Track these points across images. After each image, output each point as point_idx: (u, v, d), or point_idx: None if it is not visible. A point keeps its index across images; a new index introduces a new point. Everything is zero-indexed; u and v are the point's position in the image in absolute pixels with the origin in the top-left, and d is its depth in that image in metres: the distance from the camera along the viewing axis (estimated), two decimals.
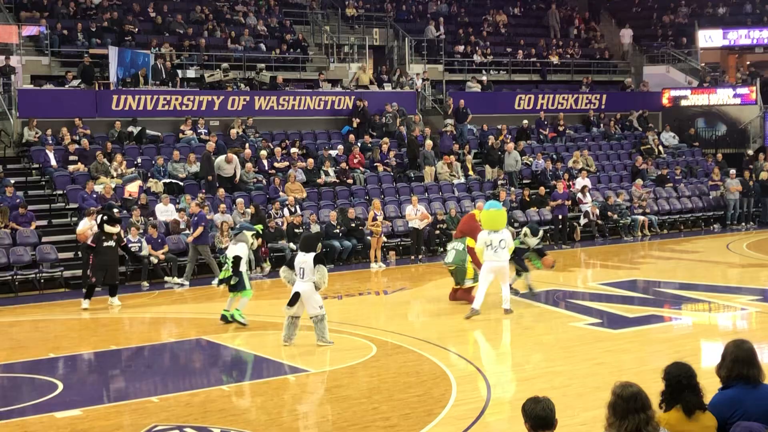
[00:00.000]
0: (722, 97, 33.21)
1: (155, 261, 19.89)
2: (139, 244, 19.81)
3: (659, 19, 38.30)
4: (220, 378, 12.14)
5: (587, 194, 26.37)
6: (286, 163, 24.66)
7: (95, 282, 16.92)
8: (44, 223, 20.90)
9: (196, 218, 20.07)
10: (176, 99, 25.45)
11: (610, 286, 18.19)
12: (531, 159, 28.34)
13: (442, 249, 23.45)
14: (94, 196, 21.03)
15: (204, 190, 22.63)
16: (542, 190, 26.23)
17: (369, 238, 22.30)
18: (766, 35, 35.23)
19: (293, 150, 25.12)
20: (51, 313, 16.83)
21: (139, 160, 23.55)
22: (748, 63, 36.90)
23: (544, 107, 31.50)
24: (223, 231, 20.39)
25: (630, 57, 36.55)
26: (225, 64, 27.16)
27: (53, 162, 22.48)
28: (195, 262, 19.94)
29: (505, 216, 15.87)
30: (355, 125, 27.03)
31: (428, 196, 25.35)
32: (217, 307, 15.57)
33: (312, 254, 12.85)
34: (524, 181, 27.52)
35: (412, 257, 22.85)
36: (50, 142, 22.90)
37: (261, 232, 15.51)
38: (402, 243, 23.52)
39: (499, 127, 29.24)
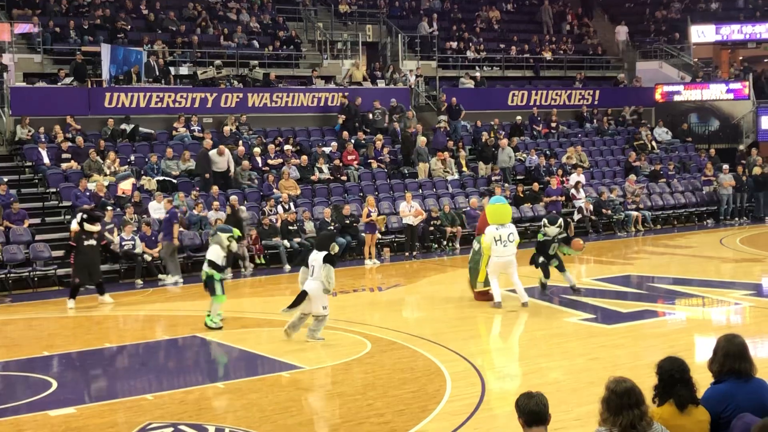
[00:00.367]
0: (715, 92, 33.26)
1: (149, 258, 19.86)
2: (133, 242, 19.79)
3: (652, 14, 38.35)
4: (214, 375, 12.14)
5: (581, 190, 26.40)
6: (280, 160, 24.64)
7: (79, 282, 16.82)
8: (37, 221, 20.85)
9: (168, 216, 19.80)
10: (169, 96, 25.40)
11: (603, 281, 18.22)
12: (524, 155, 28.35)
13: (436, 245, 23.52)
14: (87, 194, 20.99)
15: (198, 188, 22.59)
16: (536, 186, 26.26)
17: (363, 234, 22.29)
18: (758, 30, 35.27)
19: (287, 147, 25.10)
20: (45, 311, 16.80)
21: (132, 158, 23.52)
22: (740, 58, 36.95)
23: (538, 103, 31.52)
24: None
25: (623, 53, 36.57)
26: (218, 61, 27.12)
27: (46, 160, 22.43)
28: (176, 258, 19.81)
29: (511, 210, 16.04)
30: (340, 121, 27.00)
31: (422, 193, 25.36)
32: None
33: (323, 253, 12.90)
34: (518, 177, 27.54)
35: (407, 254, 22.86)
36: (43, 140, 22.85)
37: (239, 235, 14.86)
38: (396, 239, 23.52)
39: (492, 122, 29.23)
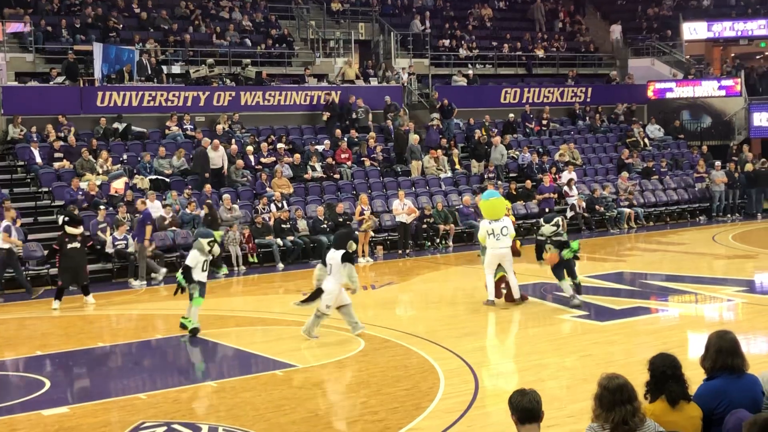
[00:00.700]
0: (707, 89, 33.31)
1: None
2: (126, 241, 19.75)
3: (644, 11, 38.36)
4: (207, 374, 12.13)
5: (573, 187, 26.43)
6: (273, 159, 24.62)
7: (63, 285, 16.70)
8: (30, 220, 20.80)
9: (142, 217, 19.50)
10: (162, 95, 25.38)
11: (596, 278, 18.23)
12: (517, 153, 28.37)
13: (429, 243, 23.53)
14: (80, 193, 20.96)
15: (190, 186, 22.57)
16: (528, 183, 26.28)
17: (357, 233, 22.27)
18: (750, 27, 35.34)
19: (279, 145, 25.08)
20: (38, 310, 16.76)
21: (125, 157, 23.48)
22: (732, 55, 37.04)
23: (530, 101, 31.55)
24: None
25: (617, 51, 36.61)
26: (210, 60, 27.09)
27: (38, 159, 22.38)
28: (146, 260, 19.55)
29: (503, 203, 15.92)
30: (325, 118, 26.99)
31: (415, 191, 25.37)
32: (204, 304, 15.50)
33: (341, 252, 12.89)
34: (510, 175, 27.56)
35: (400, 251, 22.86)
36: (35, 139, 22.80)
37: (219, 239, 14.44)
38: (389, 237, 23.52)
39: (484, 119, 29.21)
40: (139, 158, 23.32)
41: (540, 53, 34.36)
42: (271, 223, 21.96)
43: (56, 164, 22.35)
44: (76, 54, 25.13)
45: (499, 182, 26.14)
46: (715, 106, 33.14)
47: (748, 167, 29.07)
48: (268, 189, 23.31)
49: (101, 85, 24.69)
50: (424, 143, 27.08)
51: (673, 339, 12.72)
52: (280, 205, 22.63)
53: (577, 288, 15.38)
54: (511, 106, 30.95)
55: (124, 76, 25.12)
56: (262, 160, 24.55)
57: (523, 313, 15.10)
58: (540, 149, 28.92)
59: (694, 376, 5.85)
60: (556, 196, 26.08)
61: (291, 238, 21.78)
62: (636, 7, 38.73)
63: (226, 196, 22.17)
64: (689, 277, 18.11)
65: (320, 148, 25.80)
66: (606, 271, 19.27)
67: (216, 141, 23.30)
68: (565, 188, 26.40)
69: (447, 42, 32.92)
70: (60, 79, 24.58)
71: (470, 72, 31.46)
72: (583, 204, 26.18)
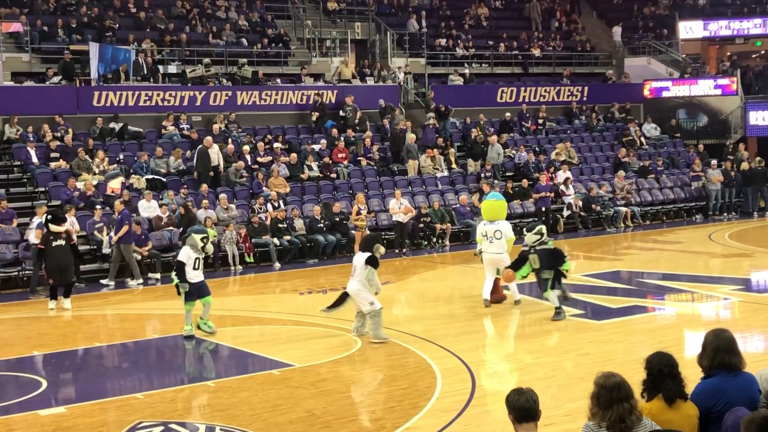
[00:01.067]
0: (703, 88, 33.36)
1: (138, 257, 19.81)
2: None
3: (640, 10, 38.42)
4: (204, 374, 12.13)
5: (570, 186, 26.45)
6: (269, 158, 24.61)
7: (54, 283, 16.54)
8: (26, 220, 20.75)
9: (120, 217, 19.28)
10: (158, 95, 25.36)
11: (593, 277, 18.26)
12: (514, 152, 28.38)
13: (425, 242, 23.54)
14: (76, 192, 20.94)
15: (186, 186, 22.55)
16: (525, 182, 26.29)
17: (353, 232, 22.29)
18: (746, 26, 35.39)
19: (276, 145, 25.07)
20: (34, 310, 16.74)
21: (122, 157, 23.46)
22: (728, 54, 37.08)
23: (527, 100, 31.58)
24: (206, 227, 20.34)
25: (614, 51, 36.62)
26: (207, 60, 27.07)
27: (35, 159, 22.36)
28: (119, 263, 19.37)
29: (503, 207, 15.74)
30: (314, 118, 26.96)
31: (412, 190, 25.36)
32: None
33: (367, 254, 12.88)
34: (507, 174, 27.56)
35: (397, 251, 22.85)
36: (31, 139, 22.78)
37: (213, 236, 14.04)
38: (386, 237, 23.49)
39: (478, 118, 29.19)
40: (135, 158, 23.29)
41: (536, 52, 34.38)
42: (268, 222, 21.95)
43: (53, 164, 22.33)
44: (72, 54, 25.12)
45: (496, 181, 26.13)
46: (712, 105, 33.18)
47: (744, 166, 29.09)
48: (264, 188, 23.30)
49: (97, 84, 24.67)
50: (420, 142, 27.09)
51: (670, 338, 12.73)
52: (276, 204, 22.63)
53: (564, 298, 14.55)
54: (507, 105, 30.96)
55: (121, 76, 25.10)
56: (259, 159, 24.54)
57: (520, 312, 15.10)
58: (536, 148, 28.94)
59: (691, 375, 5.86)
60: (552, 195, 26.10)
61: (288, 237, 21.77)
62: (632, 6, 38.78)
63: (222, 195, 22.17)
64: (686, 276, 18.14)
65: (317, 147, 25.79)
66: (602, 270, 19.28)
67: (209, 138, 23.31)
68: (562, 187, 26.42)
69: (443, 41, 32.93)
70: (56, 79, 24.55)
71: (467, 71, 31.47)
72: (580, 203, 26.19)
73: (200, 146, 23.09)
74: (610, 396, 5.27)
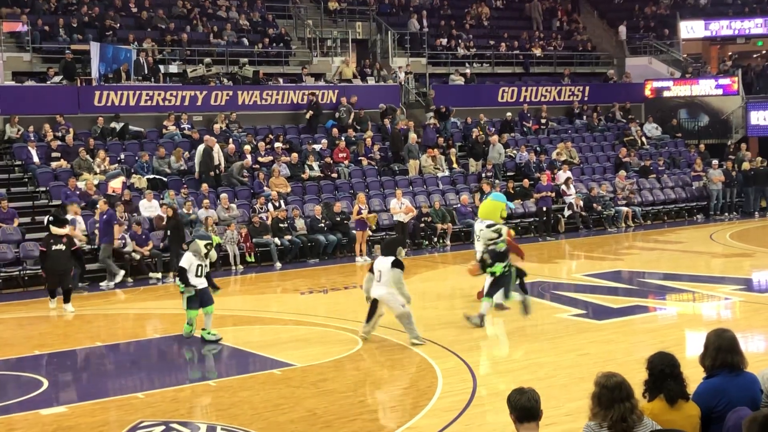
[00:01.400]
0: (704, 88, 33.35)
1: (138, 257, 19.82)
2: (124, 241, 19.73)
3: (641, 10, 38.41)
4: (205, 373, 12.13)
5: (571, 186, 26.44)
6: (270, 158, 24.61)
7: (51, 286, 16.45)
8: (27, 220, 20.78)
9: (105, 217, 19.13)
10: (159, 94, 25.36)
11: (594, 277, 18.26)
12: (515, 151, 28.37)
13: (426, 242, 23.53)
14: (77, 192, 20.94)
15: (186, 185, 22.55)
16: (526, 182, 26.28)
17: (354, 231, 22.28)
18: (747, 26, 35.38)
19: (277, 144, 25.07)
20: (35, 310, 16.74)
21: (122, 156, 23.46)
22: (729, 53, 37.07)
23: (528, 99, 31.57)
24: (207, 226, 20.38)
25: (618, 50, 36.62)
26: (208, 59, 27.07)
27: (35, 159, 22.36)
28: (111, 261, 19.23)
29: (496, 207, 15.45)
30: (308, 116, 26.92)
31: (413, 190, 25.36)
32: None
33: (391, 258, 12.69)
34: (508, 174, 27.55)
35: None
36: (32, 138, 22.78)
37: (217, 242, 13.68)
38: (387, 236, 23.48)
39: (479, 118, 29.18)
40: (136, 158, 23.29)
41: (537, 52, 34.37)
42: (269, 222, 21.95)
43: (53, 164, 22.34)
44: (73, 53, 25.12)
45: (497, 181, 26.15)
46: (713, 104, 33.17)
47: (746, 166, 29.08)
48: (265, 188, 23.30)
49: (98, 84, 24.67)
50: (421, 142, 27.08)
51: (671, 337, 12.73)
52: (277, 204, 22.63)
53: (525, 308, 14.15)
54: (508, 105, 30.95)
55: (122, 76, 25.10)
56: (260, 159, 24.53)
57: (520, 312, 15.07)
58: (537, 148, 28.93)
59: (693, 375, 5.85)
60: (553, 195, 26.09)
61: (288, 237, 21.77)
62: (633, 5, 38.77)
63: (223, 195, 22.17)
64: (687, 276, 18.13)
65: (318, 147, 25.78)
66: (603, 270, 19.28)
67: (207, 137, 23.33)
68: (563, 187, 26.40)
69: (444, 41, 32.92)
70: (57, 79, 24.55)
71: (467, 71, 31.46)
72: (581, 203, 26.18)
73: (204, 145, 23.06)
74: (611, 396, 5.27)
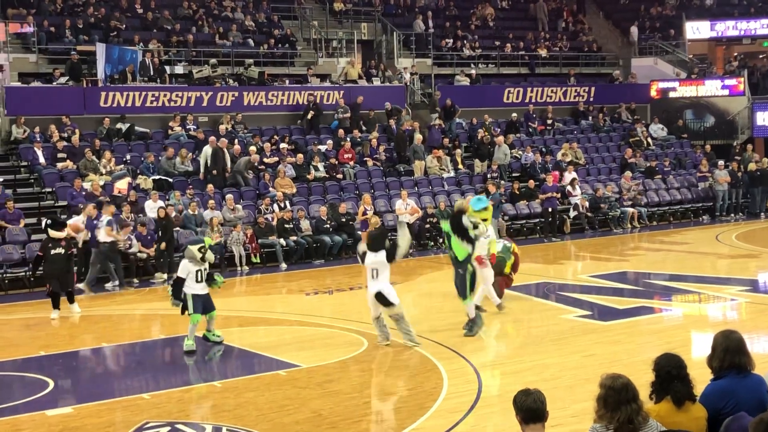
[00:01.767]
0: (710, 88, 33.30)
1: (143, 257, 19.84)
2: (130, 242, 19.75)
3: (647, 11, 38.37)
4: (211, 374, 12.13)
5: (576, 187, 26.42)
6: (276, 159, 24.62)
7: (53, 290, 15.92)
8: (33, 220, 20.80)
9: (95, 222, 19.00)
10: (165, 95, 25.40)
11: (600, 278, 18.23)
12: (520, 152, 28.36)
13: (432, 243, 23.51)
14: (83, 193, 20.98)
15: (191, 186, 22.57)
16: (531, 183, 26.26)
17: (359, 232, 22.27)
18: (753, 26, 35.32)
19: (282, 145, 25.09)
20: (41, 310, 16.75)
21: (128, 157, 23.49)
22: (735, 54, 37.00)
23: (533, 100, 31.54)
24: (213, 226, 20.40)
25: (628, 50, 36.58)
26: (213, 60, 27.10)
27: (42, 159, 22.41)
28: (112, 264, 19.11)
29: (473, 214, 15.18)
30: (309, 117, 26.90)
31: (418, 190, 25.35)
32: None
33: (382, 252, 12.65)
34: (514, 175, 27.53)
35: None
36: (38, 139, 22.84)
37: (210, 245, 13.22)
38: (392, 237, 23.42)
39: (483, 118, 29.15)
40: (142, 158, 23.33)
41: (543, 53, 34.35)
42: (274, 223, 21.97)
43: (59, 164, 22.38)
44: (79, 54, 25.16)
45: (502, 182, 26.14)
46: (719, 105, 33.12)
47: (752, 166, 29.01)
48: (271, 189, 23.31)
49: (104, 85, 24.72)
50: (426, 143, 27.08)
51: (677, 339, 12.71)
52: (282, 205, 22.64)
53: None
54: (514, 105, 30.93)
55: (127, 77, 25.15)
56: (265, 160, 24.55)
57: (526, 313, 15.09)
58: (543, 149, 28.91)
59: (699, 376, 5.84)
60: (559, 195, 26.06)
61: (294, 238, 21.79)
62: (639, 6, 38.72)
63: (229, 196, 22.19)
64: (692, 277, 18.09)
65: (323, 148, 25.79)
66: (609, 271, 19.25)
67: (212, 138, 23.38)
68: (568, 188, 26.39)
69: (450, 42, 32.92)
70: (63, 80, 24.61)
71: (473, 72, 31.45)
72: (587, 203, 26.15)
73: (215, 147, 23.06)
74: (618, 397, 5.26)
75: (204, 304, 12.90)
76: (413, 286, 18.73)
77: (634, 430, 5.24)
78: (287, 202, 22.87)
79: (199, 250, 12.76)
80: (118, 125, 24.46)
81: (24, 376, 11.97)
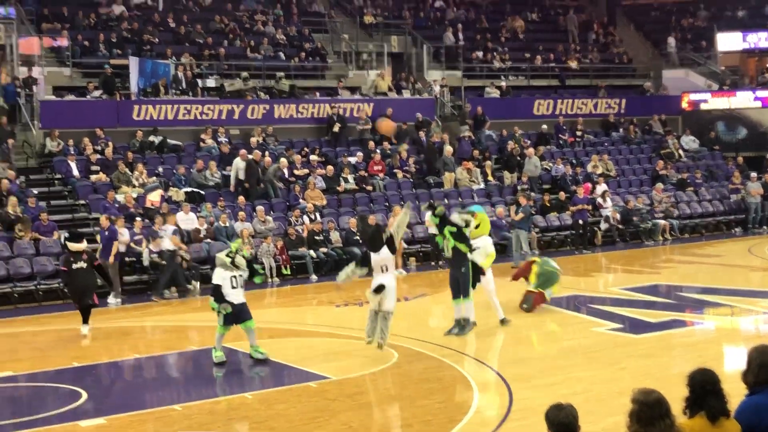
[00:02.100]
0: (742, 100, 33.04)
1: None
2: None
3: (678, 22, 38.17)
4: (242, 385, 12.19)
5: (608, 199, 26.30)
6: (306, 171, 24.73)
7: (80, 306, 15.73)
8: (67, 233, 20.99)
9: (107, 233, 18.99)
10: (197, 108, 25.60)
11: (631, 290, 18.11)
12: (550, 164, 28.28)
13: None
14: (116, 205, 21.18)
15: (222, 198, 22.70)
16: (562, 195, 26.17)
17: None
18: None
19: (313, 157, 25.20)
20: (74, 322, 16.86)
21: (161, 169, 23.70)
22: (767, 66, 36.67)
23: (563, 112, 31.43)
24: (244, 238, 20.50)
25: (651, 62, 36.41)
26: (245, 73, 27.29)
27: (75, 172, 22.64)
28: (117, 276, 19.06)
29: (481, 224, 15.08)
30: (336, 129, 26.95)
31: (448, 202, 25.30)
32: None
33: (384, 248, 12.76)
34: (544, 186, 27.46)
35: (433, 263, 22.84)
36: (72, 152, 23.09)
37: (237, 248, 13.09)
38: (422, 249, 23.52)
39: (513, 130, 29.10)
40: (174, 171, 23.51)
41: (573, 65, 34.27)
42: (305, 234, 22.04)
43: (93, 177, 22.60)
44: (112, 68, 25.46)
45: (533, 194, 26.07)
46: (751, 117, 32.85)
47: None
48: (301, 201, 23.41)
49: (137, 98, 24.97)
50: (456, 155, 27.08)
51: (709, 352, 12.61)
52: (313, 216, 22.72)
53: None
54: (544, 117, 30.86)
55: (160, 90, 25.38)
56: (296, 172, 24.66)
57: (557, 326, 15.04)
58: (573, 161, 28.81)
59: (731, 390, 5.79)
60: (590, 207, 25.95)
61: (324, 249, 21.85)
62: (670, 18, 38.53)
63: (259, 208, 22.31)
64: (725, 290, 17.94)
65: (353, 160, 25.87)
66: (641, 284, 19.12)
67: (242, 151, 23.56)
68: (599, 200, 26.27)
69: (480, 54, 32.93)
70: (97, 93, 24.88)
71: (503, 84, 31.43)
72: (618, 216, 26.02)
73: (247, 159, 23.24)
74: (651, 413, 5.22)
75: (239, 313, 12.68)
76: (442, 298, 18.67)
77: None
78: (317, 214, 22.95)
79: (228, 255, 12.67)
80: (151, 138, 24.68)
81: (57, 387, 12.09)
